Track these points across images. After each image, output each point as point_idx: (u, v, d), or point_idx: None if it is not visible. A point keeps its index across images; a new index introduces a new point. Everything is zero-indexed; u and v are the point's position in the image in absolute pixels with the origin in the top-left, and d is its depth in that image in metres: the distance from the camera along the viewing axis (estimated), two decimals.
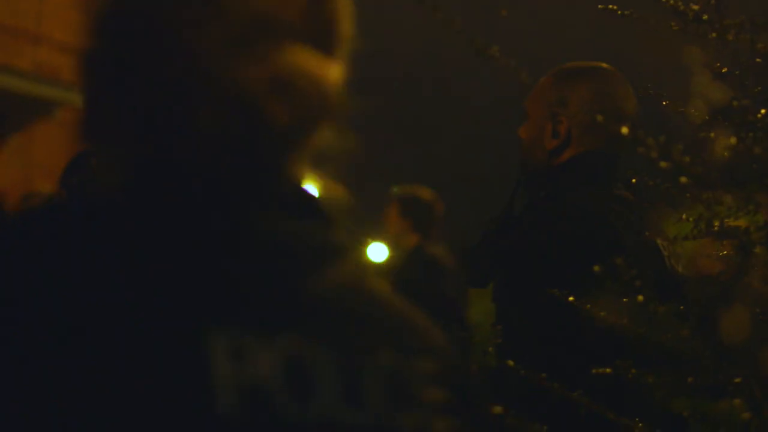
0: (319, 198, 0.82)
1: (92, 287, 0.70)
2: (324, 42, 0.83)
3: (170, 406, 0.68)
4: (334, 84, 0.83)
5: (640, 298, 1.50)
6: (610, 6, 1.75)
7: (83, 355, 0.68)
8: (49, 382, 0.67)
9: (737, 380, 1.49)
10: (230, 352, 0.70)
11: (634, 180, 1.71)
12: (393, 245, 5.22)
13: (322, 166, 0.86)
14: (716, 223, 1.55)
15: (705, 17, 1.61)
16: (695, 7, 1.62)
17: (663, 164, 1.44)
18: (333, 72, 0.83)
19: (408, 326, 0.82)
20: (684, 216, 1.63)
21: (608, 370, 1.62)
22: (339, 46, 0.85)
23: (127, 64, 0.77)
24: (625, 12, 1.73)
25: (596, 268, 1.49)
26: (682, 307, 1.55)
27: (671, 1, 1.63)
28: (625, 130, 1.42)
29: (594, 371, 1.65)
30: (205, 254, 0.73)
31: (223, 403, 0.68)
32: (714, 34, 1.61)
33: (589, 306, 1.63)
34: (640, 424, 1.60)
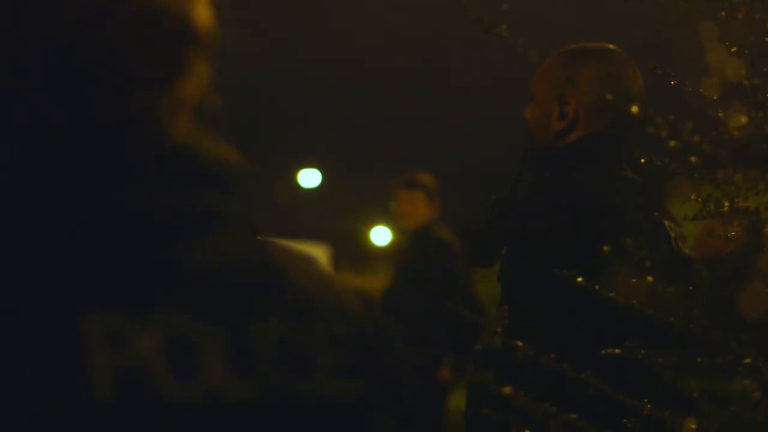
0: (205, 159, 0.76)
1: None
2: None
3: (47, 400, 0.65)
4: (199, 16, 0.76)
5: (650, 278, 1.50)
6: None
7: None
8: None
9: (747, 360, 1.48)
10: (107, 337, 0.67)
11: (642, 160, 1.70)
12: (405, 230, 5.23)
13: (208, 122, 0.79)
14: (726, 204, 1.54)
15: None
16: None
17: (672, 143, 1.43)
18: (197, 5, 0.77)
19: (300, 291, 0.78)
20: (693, 196, 1.62)
21: (617, 351, 1.62)
22: None
23: None
24: None
25: (605, 248, 1.48)
26: (691, 288, 1.55)
27: None
28: (634, 109, 1.41)
29: (603, 352, 1.65)
30: (73, 237, 0.69)
31: (101, 390, 0.66)
32: (723, 13, 1.60)
33: (596, 286, 1.63)
34: (649, 405, 1.59)
